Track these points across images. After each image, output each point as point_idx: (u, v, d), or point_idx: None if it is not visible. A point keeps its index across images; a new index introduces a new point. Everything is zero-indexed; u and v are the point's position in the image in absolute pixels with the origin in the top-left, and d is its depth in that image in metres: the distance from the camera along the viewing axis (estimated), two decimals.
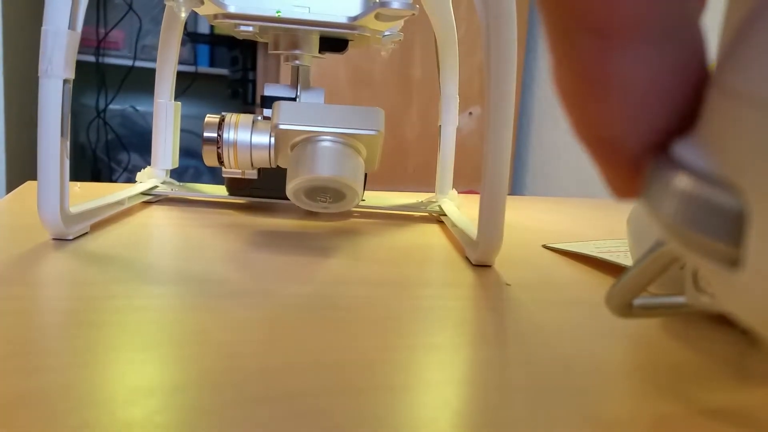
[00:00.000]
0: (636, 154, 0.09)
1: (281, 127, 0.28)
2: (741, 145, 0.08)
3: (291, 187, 0.27)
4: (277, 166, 0.31)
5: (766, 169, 0.07)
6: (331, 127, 0.28)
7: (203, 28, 1.74)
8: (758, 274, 0.08)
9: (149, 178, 0.41)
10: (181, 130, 0.43)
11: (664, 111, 0.09)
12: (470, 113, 1.18)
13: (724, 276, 0.08)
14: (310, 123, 0.28)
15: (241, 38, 0.34)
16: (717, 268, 0.08)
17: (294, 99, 0.35)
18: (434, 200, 0.42)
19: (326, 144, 0.28)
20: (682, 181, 0.08)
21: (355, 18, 0.30)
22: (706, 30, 0.10)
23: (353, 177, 0.27)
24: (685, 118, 0.09)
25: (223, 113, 0.31)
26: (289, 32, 0.33)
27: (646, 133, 0.09)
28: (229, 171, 0.32)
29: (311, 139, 0.28)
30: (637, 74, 0.08)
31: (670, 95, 0.09)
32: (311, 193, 0.27)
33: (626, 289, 0.15)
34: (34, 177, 0.29)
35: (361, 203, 0.41)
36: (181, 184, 0.43)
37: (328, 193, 0.27)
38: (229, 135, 0.30)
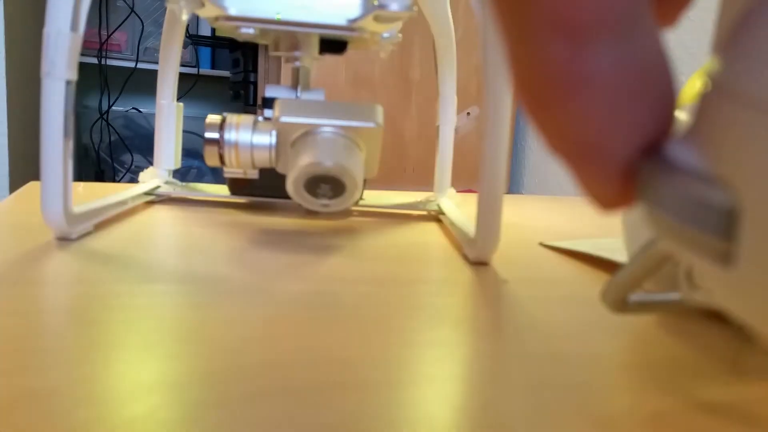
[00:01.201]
0: (621, 157, 0.09)
1: (283, 120, 0.29)
2: (735, 144, 0.08)
3: (292, 177, 0.27)
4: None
5: (759, 167, 0.07)
6: (331, 120, 0.28)
7: (205, 31, 1.74)
8: (751, 269, 0.08)
9: (152, 179, 0.41)
10: (184, 131, 0.44)
11: (642, 108, 0.08)
12: (468, 113, 1.18)
13: (717, 272, 0.08)
14: (311, 116, 0.29)
15: (241, 40, 0.35)
16: (711, 265, 0.08)
17: None
18: (433, 199, 0.43)
19: (326, 135, 0.28)
20: (675, 180, 0.08)
21: (354, 20, 0.30)
22: (697, 30, 0.10)
23: (353, 166, 0.27)
24: (664, 116, 0.09)
25: (224, 114, 0.32)
26: (289, 34, 0.34)
27: (628, 133, 0.08)
28: (231, 171, 0.32)
29: (311, 131, 0.29)
30: (609, 71, 0.08)
31: (646, 91, 0.08)
32: (312, 186, 0.27)
33: (622, 285, 0.15)
34: (37, 178, 0.29)
35: (361, 202, 0.42)
36: (183, 184, 0.43)
37: (329, 184, 0.27)
38: (230, 135, 0.30)
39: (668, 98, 0.09)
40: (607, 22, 0.08)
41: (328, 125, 0.28)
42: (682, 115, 0.09)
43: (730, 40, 0.08)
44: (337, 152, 0.27)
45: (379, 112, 0.29)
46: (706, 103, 0.08)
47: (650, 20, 0.08)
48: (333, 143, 0.28)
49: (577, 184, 0.09)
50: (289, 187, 0.27)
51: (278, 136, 0.29)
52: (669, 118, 0.09)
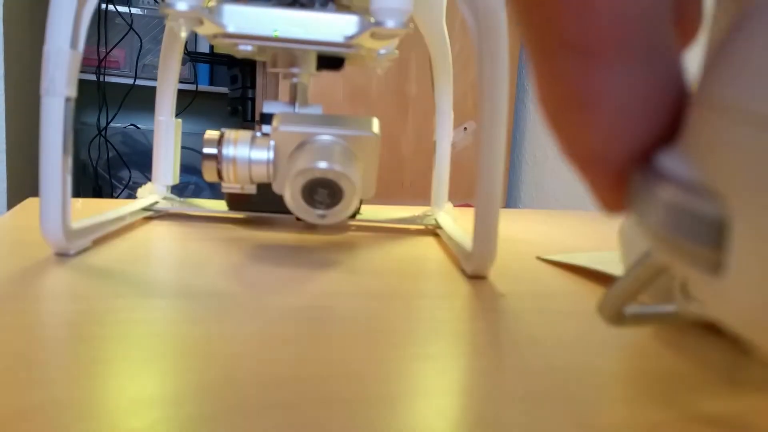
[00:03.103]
0: (620, 167, 0.09)
1: (282, 129, 0.29)
2: (722, 155, 0.08)
3: (289, 182, 0.27)
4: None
5: (747, 177, 0.07)
6: (328, 128, 0.29)
7: (203, 47, 1.75)
8: (741, 278, 0.08)
9: (150, 194, 0.41)
10: (182, 147, 0.44)
11: (644, 125, 0.09)
12: (465, 128, 1.19)
13: (709, 282, 0.08)
14: (309, 126, 0.29)
15: (240, 57, 0.35)
16: (702, 274, 0.08)
17: None
18: (430, 213, 0.43)
19: (324, 141, 0.28)
20: (666, 190, 0.09)
21: (351, 37, 0.31)
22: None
23: (350, 170, 0.27)
24: (667, 130, 0.09)
25: (222, 129, 0.32)
26: (286, 51, 0.34)
27: (628, 146, 0.09)
28: (229, 186, 0.32)
29: (309, 139, 0.29)
30: (617, 91, 0.09)
31: (650, 110, 0.09)
32: (309, 193, 0.27)
33: (617, 298, 0.16)
34: (35, 194, 0.29)
35: (358, 217, 0.42)
36: (181, 199, 0.43)
37: (326, 189, 0.27)
38: (228, 151, 0.30)
39: (676, 116, 0.09)
40: (619, 48, 0.09)
41: (325, 134, 0.29)
42: None
43: (718, 53, 0.08)
44: (335, 156, 0.27)
45: (376, 123, 0.30)
46: (694, 114, 0.09)
47: (670, 48, 0.09)
48: (330, 149, 0.28)
49: (583, 185, 0.10)
50: (286, 194, 0.27)
51: (276, 149, 0.30)
52: (672, 131, 0.09)
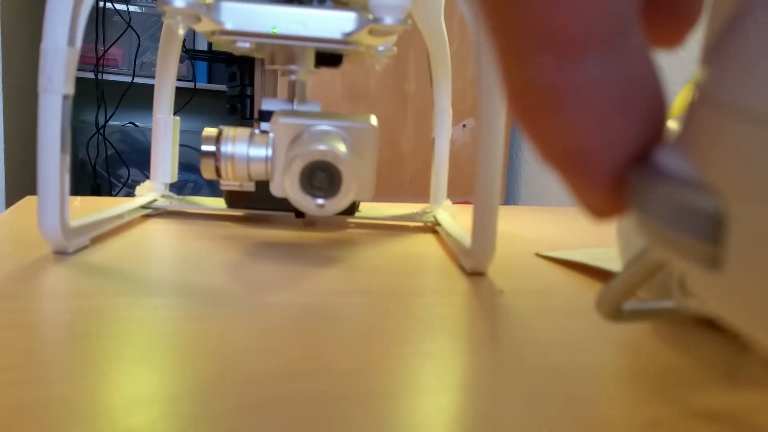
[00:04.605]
0: (610, 163, 0.09)
1: (281, 121, 0.29)
2: (720, 151, 0.08)
3: (287, 169, 0.27)
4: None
5: (745, 173, 0.07)
6: (326, 120, 0.29)
7: (201, 45, 1.75)
8: (739, 273, 0.08)
9: (148, 192, 0.41)
10: (180, 145, 0.44)
11: (630, 119, 0.09)
12: (464, 125, 1.19)
13: (707, 278, 0.08)
14: (308, 119, 0.29)
15: (238, 54, 0.35)
16: (700, 270, 0.08)
17: None
18: (429, 210, 0.43)
19: (322, 129, 0.29)
20: (664, 186, 0.08)
21: (349, 34, 0.31)
22: (690, 40, 0.10)
23: (348, 155, 0.27)
24: (652, 124, 0.09)
25: (221, 127, 0.32)
26: (285, 48, 0.34)
27: (616, 140, 0.09)
28: (227, 183, 0.32)
29: (307, 129, 0.29)
30: (597, 83, 0.08)
31: (633, 102, 0.09)
32: (308, 179, 0.27)
33: (615, 294, 0.16)
34: (34, 192, 0.29)
35: (357, 214, 0.42)
36: (180, 197, 0.43)
37: (325, 173, 0.27)
38: (226, 148, 0.30)
39: (657, 108, 0.09)
40: (595, 37, 0.08)
41: (323, 125, 0.29)
42: (674, 125, 0.09)
43: (715, 49, 0.08)
44: (333, 141, 0.27)
45: (373, 118, 0.30)
46: (693, 111, 0.09)
47: (638, 34, 0.09)
48: (328, 134, 0.28)
49: (569, 193, 0.10)
50: (285, 182, 0.27)
51: (275, 145, 0.30)
52: (658, 128, 0.09)
